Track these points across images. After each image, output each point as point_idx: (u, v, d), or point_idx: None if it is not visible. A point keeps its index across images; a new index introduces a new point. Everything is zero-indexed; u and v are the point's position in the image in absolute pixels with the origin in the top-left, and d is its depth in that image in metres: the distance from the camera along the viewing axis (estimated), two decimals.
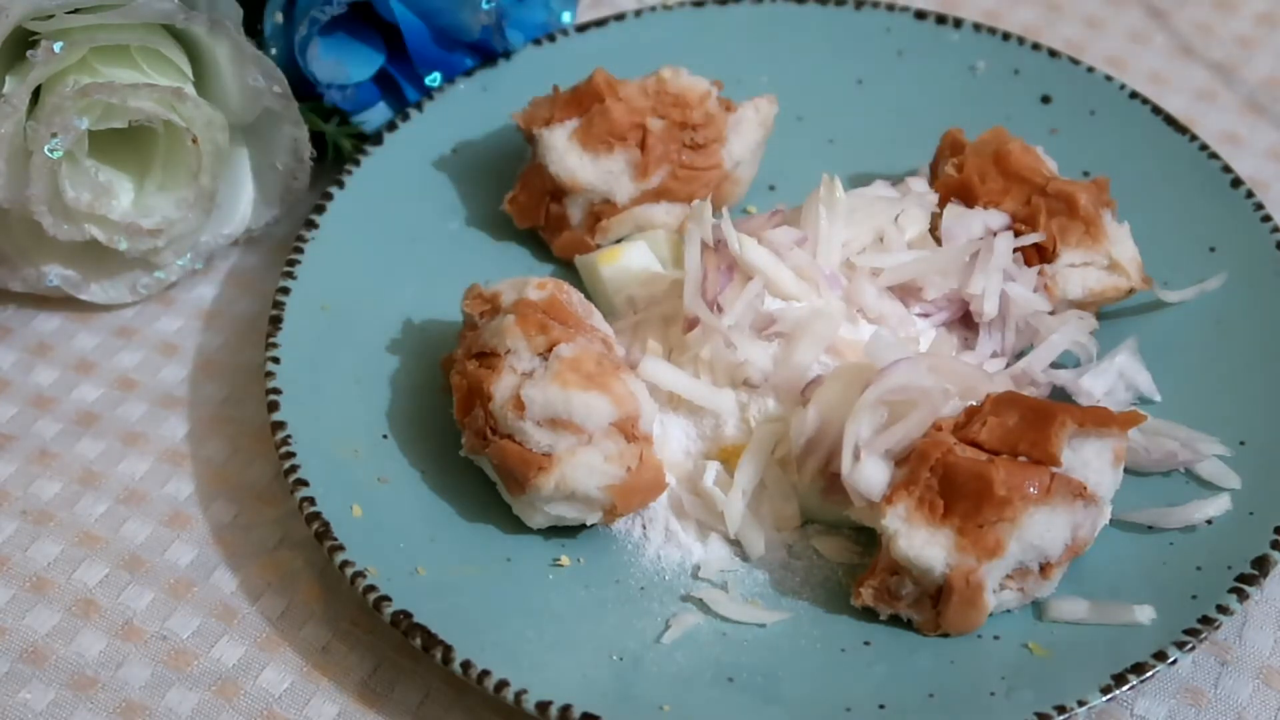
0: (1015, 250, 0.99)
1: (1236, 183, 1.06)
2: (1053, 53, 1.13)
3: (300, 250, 1.04)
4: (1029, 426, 0.88)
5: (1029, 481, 0.87)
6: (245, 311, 1.08)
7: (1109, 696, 0.85)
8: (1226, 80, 1.21)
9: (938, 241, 1.01)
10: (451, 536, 0.94)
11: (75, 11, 0.99)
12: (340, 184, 1.07)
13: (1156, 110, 1.10)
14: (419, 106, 1.11)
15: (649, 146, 1.04)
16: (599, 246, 1.05)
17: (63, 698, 0.90)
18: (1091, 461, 0.89)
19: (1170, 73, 1.22)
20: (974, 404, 0.91)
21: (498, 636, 0.89)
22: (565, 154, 1.05)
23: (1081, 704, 0.85)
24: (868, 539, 0.93)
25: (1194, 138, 1.08)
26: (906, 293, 0.99)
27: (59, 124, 0.98)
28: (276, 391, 0.97)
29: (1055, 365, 0.98)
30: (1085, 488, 0.88)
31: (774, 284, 0.97)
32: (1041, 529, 0.87)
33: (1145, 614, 0.88)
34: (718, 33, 1.14)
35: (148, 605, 0.94)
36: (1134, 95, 1.11)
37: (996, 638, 0.89)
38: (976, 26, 1.15)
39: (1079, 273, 1.00)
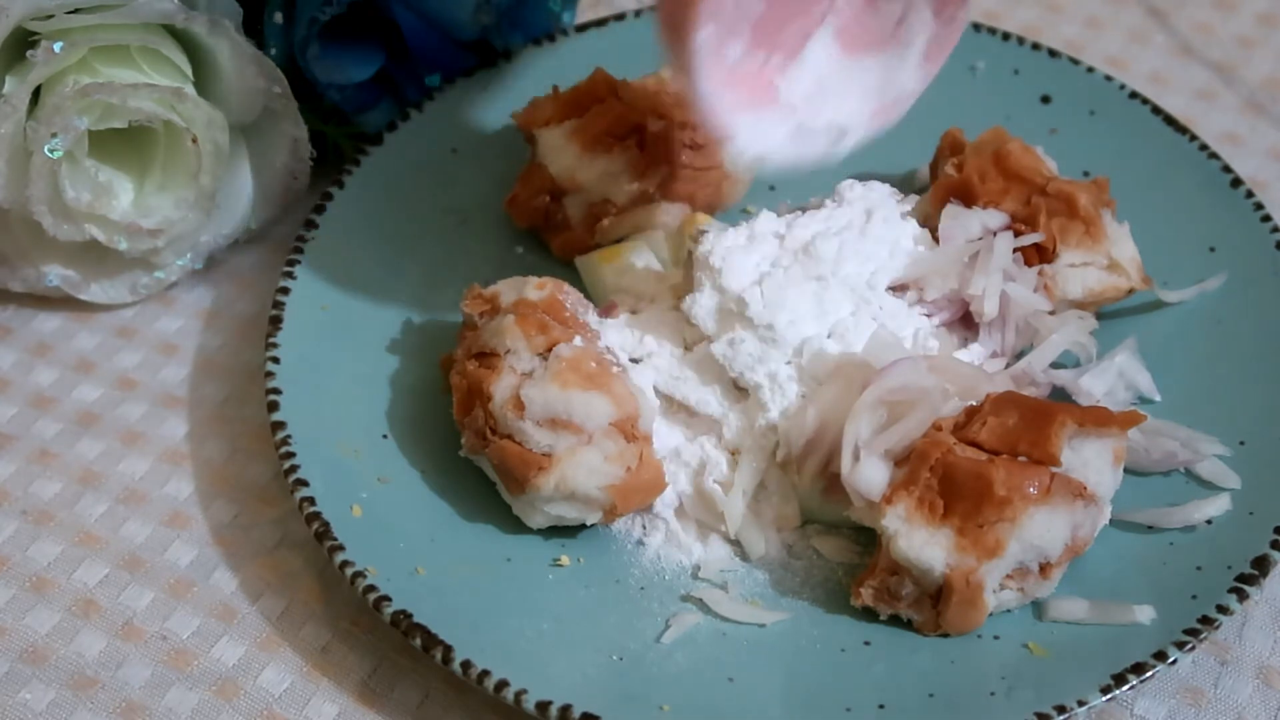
0: (1015, 250, 0.99)
1: (1236, 183, 1.06)
2: (1053, 53, 1.13)
3: (300, 250, 1.04)
4: (1029, 426, 0.88)
5: (1029, 481, 0.87)
6: (245, 311, 1.08)
7: (1109, 696, 0.85)
8: (1226, 80, 1.21)
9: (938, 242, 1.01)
10: (451, 536, 0.94)
11: (75, 11, 0.99)
12: (340, 184, 1.07)
13: (1156, 110, 1.10)
14: (419, 106, 1.11)
15: (649, 146, 1.04)
16: (599, 246, 1.06)
17: (63, 698, 0.90)
18: (1091, 461, 0.89)
19: (1170, 73, 1.22)
20: (974, 404, 0.91)
21: (498, 636, 0.89)
22: (565, 154, 1.05)
23: (1081, 704, 0.85)
24: (868, 539, 0.93)
25: (1194, 138, 1.08)
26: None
27: (59, 124, 0.99)
28: (276, 391, 0.97)
29: (1055, 365, 0.98)
30: (1085, 488, 0.88)
31: None
32: (1041, 529, 0.87)
33: (1145, 614, 0.88)
34: None
35: (148, 605, 0.94)
36: (1134, 95, 1.11)
37: (996, 638, 0.89)
38: (976, 26, 1.15)
39: (1079, 273, 1.00)
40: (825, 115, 0.91)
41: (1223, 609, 0.88)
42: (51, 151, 0.99)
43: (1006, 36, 1.14)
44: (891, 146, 1.10)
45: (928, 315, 0.98)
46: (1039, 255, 1.00)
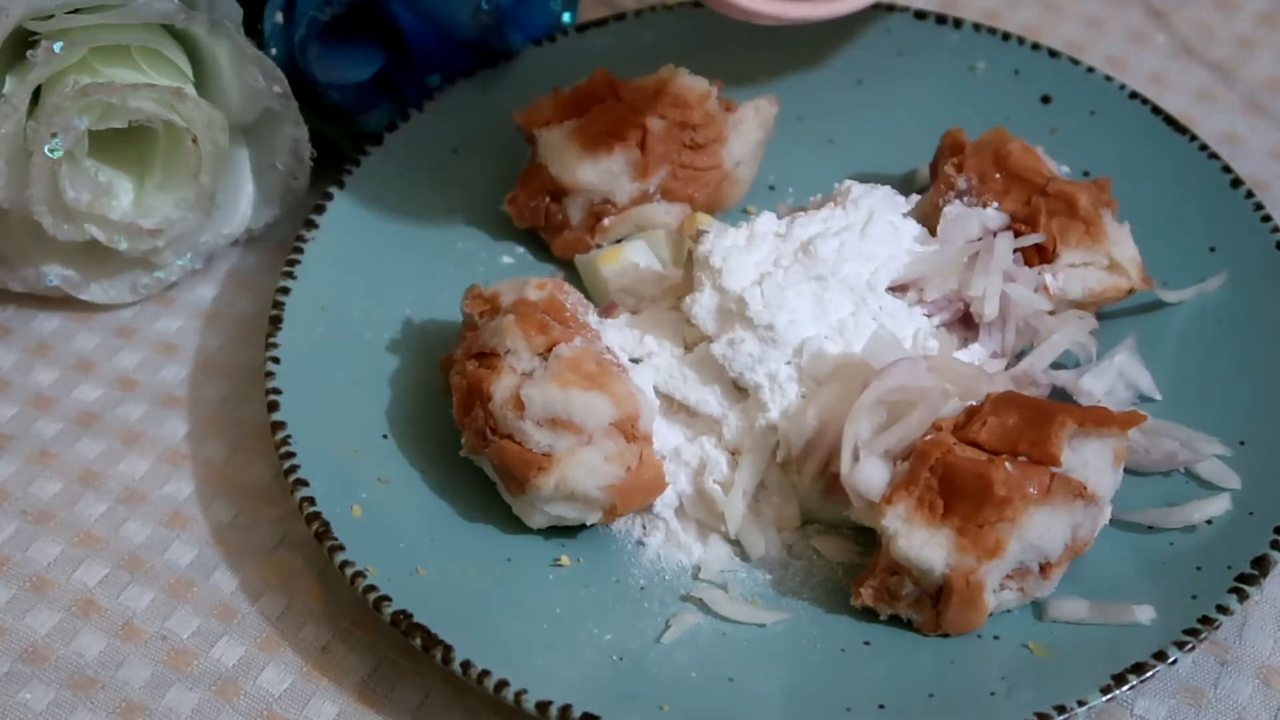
0: (1015, 250, 0.99)
1: (1236, 183, 1.06)
2: (1053, 53, 1.13)
3: (300, 250, 1.04)
4: (1029, 426, 0.88)
5: (1029, 481, 0.87)
6: (245, 311, 1.08)
7: (1109, 696, 0.85)
8: (1226, 80, 1.21)
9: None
10: (451, 536, 0.94)
11: (75, 11, 0.99)
12: (340, 184, 1.07)
13: (1156, 110, 1.10)
14: (419, 106, 1.11)
15: (649, 146, 1.04)
16: (599, 246, 1.06)
17: (63, 698, 0.90)
18: (1091, 461, 0.89)
19: (1170, 73, 1.22)
20: (974, 404, 0.91)
21: (498, 636, 0.89)
22: (565, 154, 1.05)
23: (1081, 704, 0.85)
24: (868, 539, 0.93)
25: (1194, 138, 1.08)
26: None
27: (59, 124, 0.99)
28: (276, 391, 0.97)
29: (1055, 365, 0.98)
30: (1085, 488, 0.88)
31: None
32: (1041, 529, 0.87)
33: (1145, 614, 0.88)
34: (718, 33, 1.14)
35: (148, 605, 0.94)
36: (1134, 95, 1.11)
37: (996, 638, 0.89)
38: (976, 26, 1.15)
39: (1079, 273, 1.00)
40: None
41: (1223, 609, 0.88)
42: (51, 151, 0.99)
43: (1006, 36, 1.14)
44: (891, 146, 1.11)
45: (928, 315, 0.98)
46: (1039, 255, 1.00)
